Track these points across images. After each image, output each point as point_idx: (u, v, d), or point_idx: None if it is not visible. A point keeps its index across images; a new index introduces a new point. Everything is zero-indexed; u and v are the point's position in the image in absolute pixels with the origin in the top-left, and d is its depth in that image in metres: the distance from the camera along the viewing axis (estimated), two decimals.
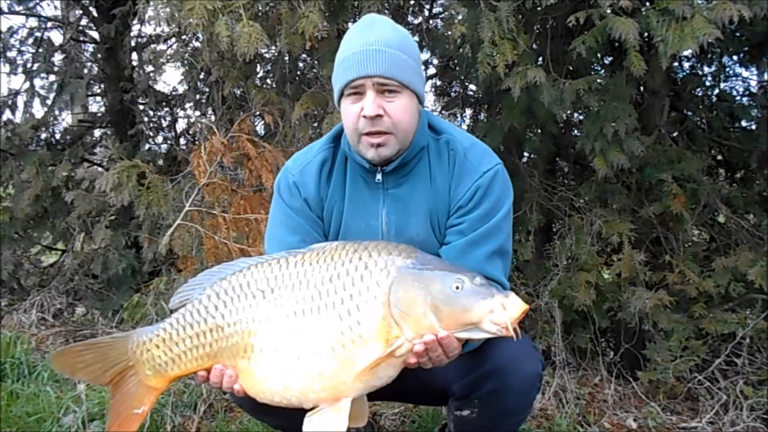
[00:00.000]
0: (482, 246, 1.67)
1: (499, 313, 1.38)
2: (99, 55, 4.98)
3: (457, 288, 1.40)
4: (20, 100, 4.77)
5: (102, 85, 5.12)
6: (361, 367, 1.42)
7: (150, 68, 4.78)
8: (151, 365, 1.59)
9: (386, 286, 1.43)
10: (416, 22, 3.78)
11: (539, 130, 3.38)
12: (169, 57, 4.30)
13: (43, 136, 4.89)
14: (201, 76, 4.16)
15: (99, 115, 5.35)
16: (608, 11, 2.55)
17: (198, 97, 4.46)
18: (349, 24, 3.34)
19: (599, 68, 3.51)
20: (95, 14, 4.82)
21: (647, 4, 2.75)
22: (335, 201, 1.78)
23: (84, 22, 5.17)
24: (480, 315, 1.39)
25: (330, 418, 1.46)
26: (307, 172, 1.79)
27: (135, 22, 4.65)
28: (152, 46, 4.82)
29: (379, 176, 1.72)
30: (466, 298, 1.40)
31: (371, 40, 1.60)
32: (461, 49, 3.24)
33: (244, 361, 1.51)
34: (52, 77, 4.88)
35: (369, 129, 1.62)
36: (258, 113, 3.16)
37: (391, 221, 1.74)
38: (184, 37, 3.87)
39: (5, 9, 4.86)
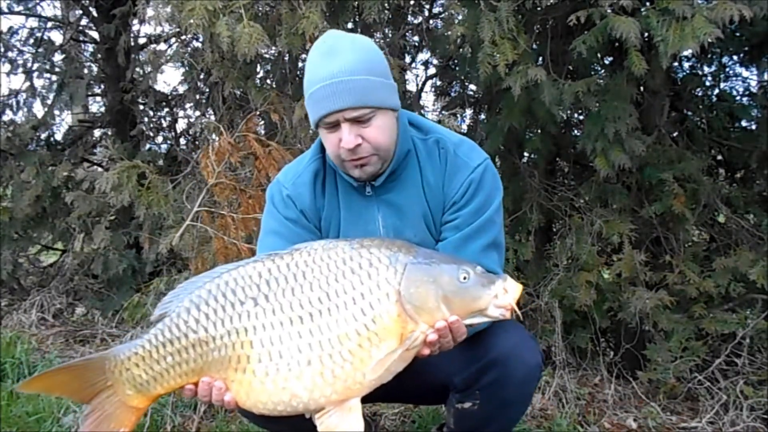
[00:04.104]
0: (477, 239, 1.70)
1: (502, 297, 1.45)
2: (99, 55, 4.98)
3: (464, 279, 1.45)
4: (20, 100, 4.77)
5: (102, 85, 5.12)
6: (376, 365, 1.42)
7: (149, 68, 4.77)
8: (132, 385, 1.50)
9: (396, 282, 1.44)
10: (416, 22, 3.78)
11: (539, 130, 3.39)
12: (169, 57, 4.29)
13: (43, 136, 4.88)
14: (201, 77, 4.16)
15: (99, 115, 5.36)
16: (609, 11, 2.55)
17: (198, 97, 4.46)
18: (349, 24, 3.34)
19: (599, 68, 3.51)
20: (95, 14, 4.82)
21: (647, 3, 2.74)
22: (332, 210, 1.80)
23: (84, 22, 5.17)
24: (487, 302, 1.45)
25: (345, 419, 1.44)
26: (300, 184, 1.80)
27: (135, 22, 4.64)
28: (152, 46, 4.82)
29: (369, 189, 1.75)
30: (474, 287, 1.45)
31: (335, 71, 1.58)
32: (461, 49, 3.24)
33: (238, 373, 1.45)
34: (53, 77, 4.88)
35: (351, 157, 1.64)
36: (260, 113, 3.16)
37: (388, 224, 1.76)
38: (184, 37, 3.86)
39: (5, 9, 4.86)
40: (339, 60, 1.59)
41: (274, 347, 1.43)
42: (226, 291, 1.48)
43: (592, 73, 3.36)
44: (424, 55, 4.18)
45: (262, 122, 3.51)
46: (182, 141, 4.96)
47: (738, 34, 3.22)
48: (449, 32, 2.90)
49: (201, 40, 3.74)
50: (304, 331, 1.43)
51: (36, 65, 4.85)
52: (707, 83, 3.61)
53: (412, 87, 4.16)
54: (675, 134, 3.36)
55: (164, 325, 1.50)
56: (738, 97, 3.63)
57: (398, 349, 1.42)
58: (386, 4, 3.08)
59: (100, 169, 4.88)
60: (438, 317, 1.44)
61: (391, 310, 1.43)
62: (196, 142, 4.68)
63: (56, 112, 4.81)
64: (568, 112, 3.34)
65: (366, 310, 1.43)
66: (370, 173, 1.69)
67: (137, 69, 4.79)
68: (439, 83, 4.23)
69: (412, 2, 3.61)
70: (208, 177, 2.94)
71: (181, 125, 4.98)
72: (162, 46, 4.72)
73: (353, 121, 1.60)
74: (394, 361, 1.43)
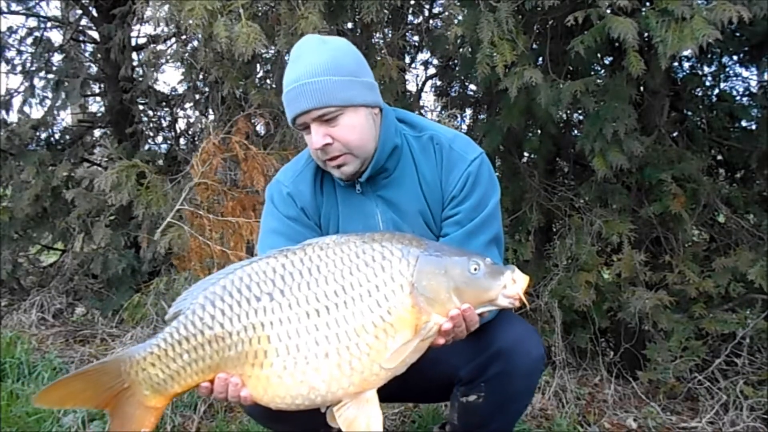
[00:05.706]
0: (480, 235, 1.73)
1: (510, 287, 1.47)
2: (99, 55, 4.98)
3: (475, 270, 1.47)
4: (18, 100, 4.78)
5: (101, 85, 5.12)
6: (392, 356, 1.43)
7: (147, 68, 4.76)
8: (149, 384, 1.49)
9: (409, 275, 1.46)
10: (416, 22, 3.78)
11: (539, 131, 3.38)
12: (168, 57, 4.29)
13: (43, 136, 4.88)
14: (200, 77, 4.15)
15: (99, 115, 5.35)
16: (608, 11, 2.55)
17: (198, 97, 4.46)
18: (349, 24, 3.34)
19: (599, 68, 3.50)
20: (95, 14, 4.81)
21: (647, 4, 2.74)
22: (331, 207, 1.82)
23: (84, 22, 5.17)
24: (497, 292, 1.48)
25: (363, 410, 1.45)
26: (301, 181, 1.82)
27: (135, 22, 4.64)
28: (152, 46, 4.82)
29: (358, 187, 1.78)
30: (484, 278, 1.48)
31: (298, 75, 1.64)
32: (461, 49, 3.24)
33: (255, 368, 1.45)
34: (50, 76, 4.87)
35: (325, 157, 1.69)
36: (256, 114, 3.16)
37: (387, 219, 1.78)
38: (183, 36, 3.86)
39: (5, 9, 4.86)
40: (302, 64, 1.65)
41: (292, 341, 1.43)
42: (241, 287, 1.48)
43: (592, 73, 3.36)
44: (424, 55, 4.19)
45: (261, 123, 3.50)
46: (182, 141, 4.95)
47: (738, 34, 3.22)
48: (449, 32, 2.90)
49: (200, 39, 3.74)
50: (321, 324, 1.43)
51: (35, 65, 4.85)
52: (707, 83, 3.61)
53: (412, 87, 4.17)
54: (675, 134, 3.36)
55: (179, 322, 1.49)
56: (738, 97, 3.64)
57: (414, 340, 1.44)
58: (386, 4, 3.08)
59: (100, 168, 4.88)
60: (449, 308, 1.46)
61: (405, 302, 1.45)
62: (196, 142, 4.68)
63: (55, 112, 4.81)
64: (568, 112, 3.34)
65: (381, 301, 1.44)
66: (348, 173, 1.72)
67: (137, 69, 4.79)
68: (439, 83, 4.23)
69: (412, 2, 3.60)
70: (195, 177, 2.95)
71: (180, 125, 4.99)
72: (161, 46, 4.72)
73: (320, 121, 1.64)
74: (410, 352, 1.45)
